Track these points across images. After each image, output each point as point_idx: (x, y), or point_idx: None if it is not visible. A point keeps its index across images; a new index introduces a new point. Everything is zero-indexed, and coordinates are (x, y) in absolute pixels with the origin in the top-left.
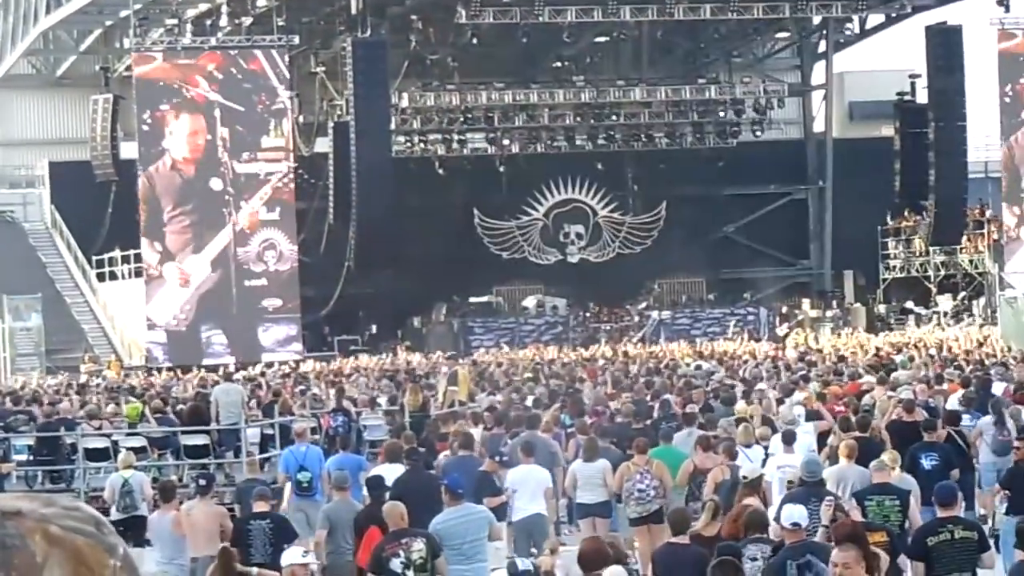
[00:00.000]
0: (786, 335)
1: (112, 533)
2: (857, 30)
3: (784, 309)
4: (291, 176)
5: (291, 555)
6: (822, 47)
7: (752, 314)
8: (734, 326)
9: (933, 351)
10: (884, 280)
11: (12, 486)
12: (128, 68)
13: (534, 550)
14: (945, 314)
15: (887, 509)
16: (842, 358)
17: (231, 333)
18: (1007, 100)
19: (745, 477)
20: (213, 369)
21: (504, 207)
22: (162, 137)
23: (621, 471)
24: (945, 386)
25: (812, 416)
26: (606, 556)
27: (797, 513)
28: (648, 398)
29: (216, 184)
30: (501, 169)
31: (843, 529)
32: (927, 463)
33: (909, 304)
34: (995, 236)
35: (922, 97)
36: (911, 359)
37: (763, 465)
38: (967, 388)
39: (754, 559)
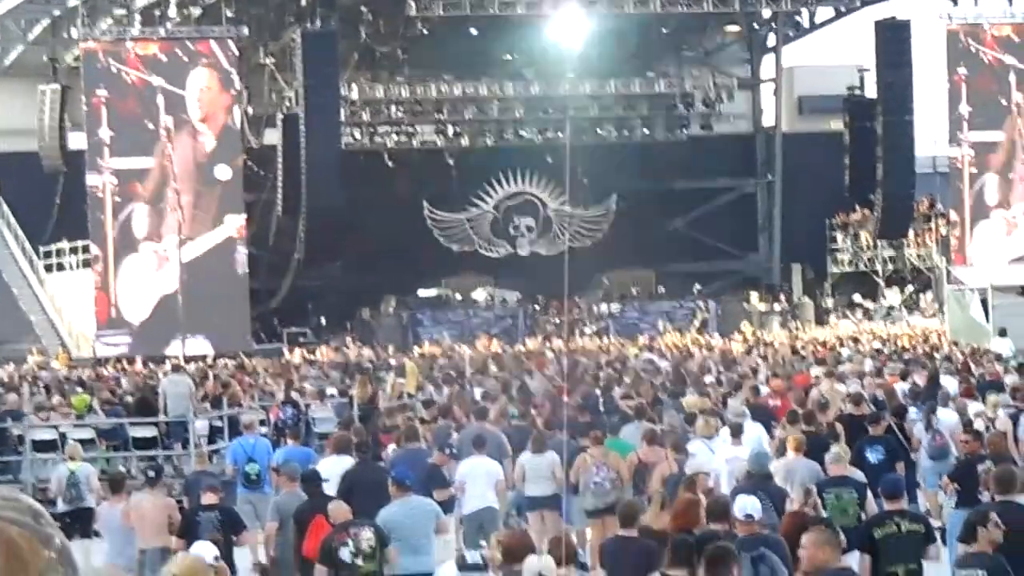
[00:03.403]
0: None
1: (50, 524)
2: (806, 24)
3: (694, 304)
4: (241, 167)
5: (202, 549)
6: (771, 41)
7: (701, 307)
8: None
9: (878, 344)
10: (832, 274)
11: None
12: (76, 59)
13: (483, 543)
14: (892, 308)
15: (845, 502)
16: (795, 351)
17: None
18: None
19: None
20: (161, 361)
21: (454, 199)
22: (98, 126)
23: (578, 463)
24: (887, 379)
25: (757, 411)
26: (529, 548)
27: (750, 504)
28: (598, 391)
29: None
30: (450, 162)
31: (794, 520)
32: (872, 456)
33: (857, 298)
34: (943, 231)
35: (871, 91)
36: (857, 352)
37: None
38: (904, 380)
39: None
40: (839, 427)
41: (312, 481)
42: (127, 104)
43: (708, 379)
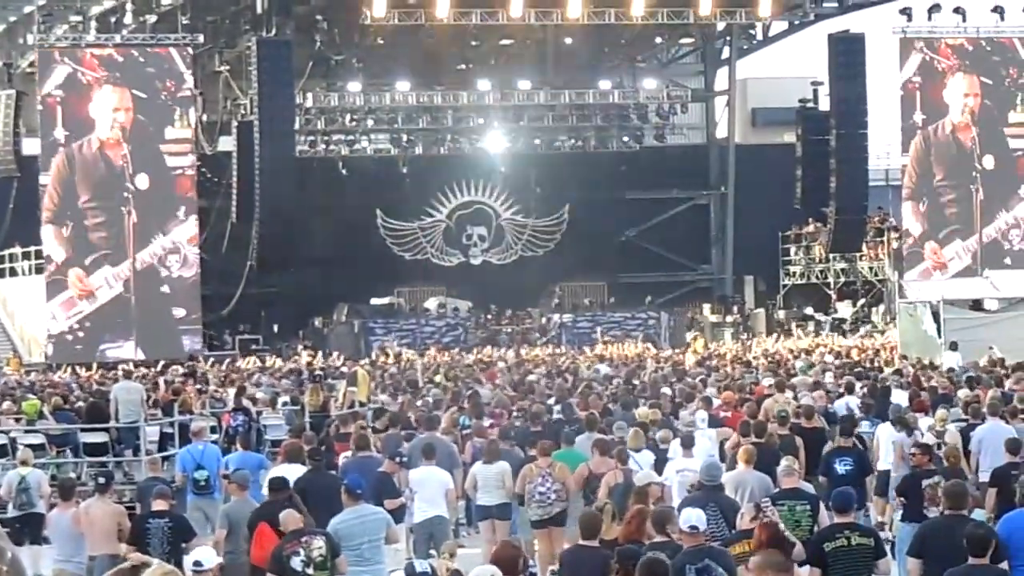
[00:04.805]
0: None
1: (2, 537)
2: (760, 37)
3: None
4: (195, 172)
5: (201, 554)
6: (726, 53)
7: (653, 318)
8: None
9: (830, 358)
10: (784, 286)
11: None
12: (31, 64)
13: (433, 552)
14: (843, 320)
15: (799, 514)
16: (747, 363)
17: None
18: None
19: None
20: (112, 367)
21: (407, 208)
22: (53, 126)
23: (524, 473)
24: (842, 390)
25: (714, 423)
26: (519, 560)
27: (695, 516)
28: (552, 401)
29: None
30: (404, 170)
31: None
32: (841, 468)
33: (809, 310)
34: (895, 244)
35: (824, 104)
36: (811, 365)
37: (662, 469)
38: (851, 394)
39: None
40: (798, 440)
41: (277, 488)
42: (82, 104)
43: (661, 390)
